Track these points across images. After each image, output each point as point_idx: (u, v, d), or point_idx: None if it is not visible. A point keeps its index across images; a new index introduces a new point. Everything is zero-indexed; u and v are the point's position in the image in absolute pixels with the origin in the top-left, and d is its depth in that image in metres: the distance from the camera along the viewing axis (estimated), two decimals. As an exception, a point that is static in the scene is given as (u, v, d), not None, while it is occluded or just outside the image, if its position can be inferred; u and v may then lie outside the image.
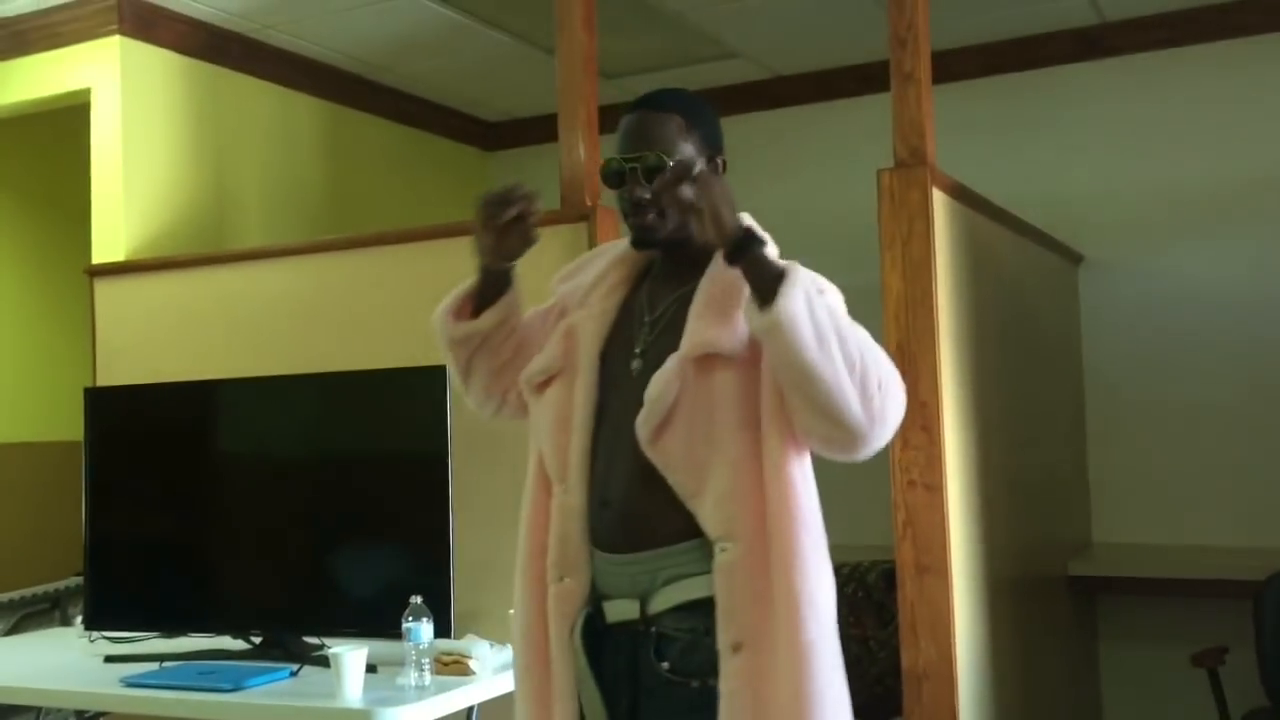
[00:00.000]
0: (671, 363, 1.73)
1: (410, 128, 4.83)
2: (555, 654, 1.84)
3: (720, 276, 1.75)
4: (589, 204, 2.95)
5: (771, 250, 1.69)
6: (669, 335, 1.78)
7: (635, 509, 1.76)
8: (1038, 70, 4.32)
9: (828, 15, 4.02)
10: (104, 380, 3.51)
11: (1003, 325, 3.20)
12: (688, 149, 1.82)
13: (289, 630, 2.83)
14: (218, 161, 3.96)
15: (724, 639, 1.69)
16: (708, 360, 1.72)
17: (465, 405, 2.77)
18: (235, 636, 2.89)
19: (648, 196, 1.78)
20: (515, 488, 2.91)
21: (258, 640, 2.86)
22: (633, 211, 1.82)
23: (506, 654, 2.65)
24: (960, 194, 2.89)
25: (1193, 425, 4.06)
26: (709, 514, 1.70)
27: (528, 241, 1.91)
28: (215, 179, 3.95)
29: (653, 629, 1.76)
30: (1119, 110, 4.20)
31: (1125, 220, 4.18)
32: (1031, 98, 4.33)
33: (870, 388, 1.63)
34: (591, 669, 1.81)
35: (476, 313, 1.96)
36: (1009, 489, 3.13)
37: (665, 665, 1.75)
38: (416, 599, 2.46)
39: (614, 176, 1.83)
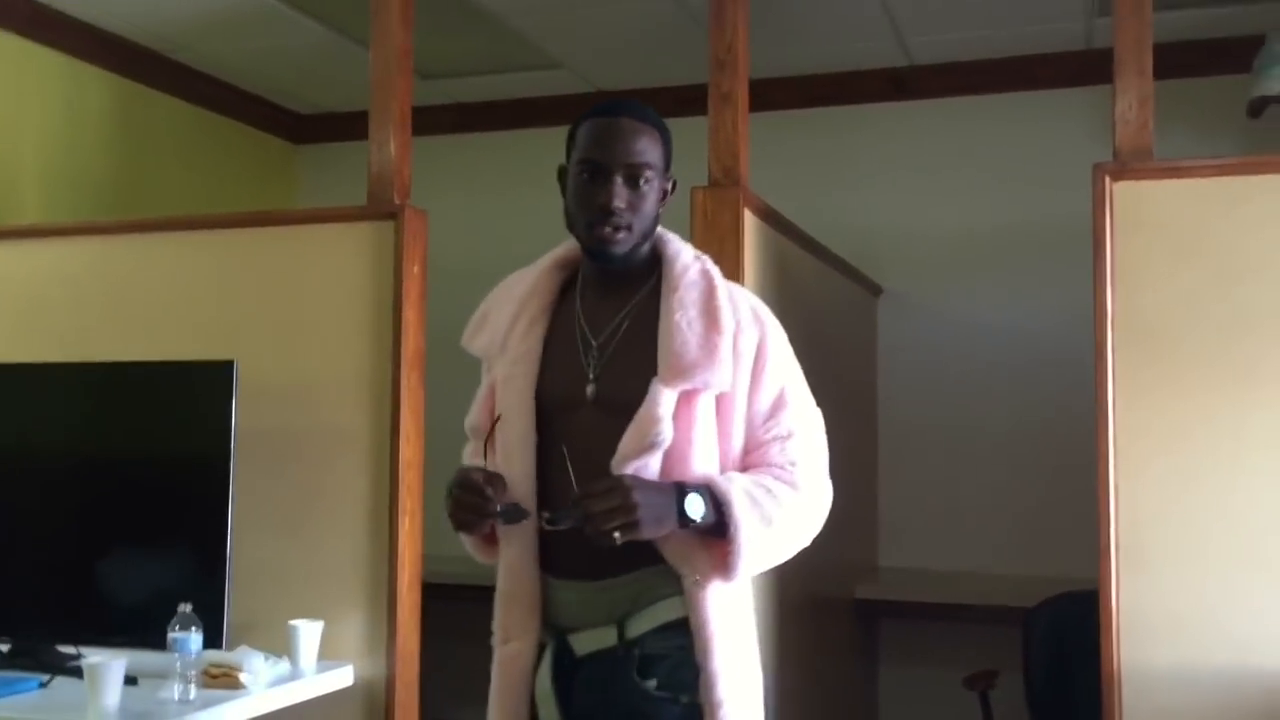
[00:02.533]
0: (664, 396, 1.70)
1: (212, 112, 4.59)
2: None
3: (685, 299, 1.75)
4: (397, 202, 2.86)
5: (695, 507, 1.68)
6: (626, 357, 1.77)
7: None
8: (849, 106, 4.45)
9: (650, 34, 4.04)
10: None
11: (805, 349, 3.25)
12: (659, 161, 1.79)
13: (41, 638, 2.62)
14: (-7, 131, 3.67)
15: (707, 660, 1.72)
16: (690, 392, 1.72)
17: (250, 403, 2.66)
18: (-20, 643, 2.66)
19: (623, 206, 1.74)
20: (298, 492, 2.81)
21: (5, 648, 2.64)
22: (601, 220, 1.75)
23: (282, 666, 2.52)
24: (770, 218, 2.93)
25: (973, 455, 4.24)
26: (673, 549, 1.72)
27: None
28: (-11, 150, 3.66)
29: (634, 651, 1.74)
30: (922, 150, 4.36)
31: (923, 256, 4.34)
32: (842, 132, 4.45)
33: (806, 540, 1.82)
34: (561, 714, 1.78)
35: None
36: (802, 512, 3.17)
37: (653, 683, 1.73)
38: (185, 607, 2.31)
39: (599, 173, 1.75)
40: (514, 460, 1.79)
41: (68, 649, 2.59)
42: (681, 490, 1.67)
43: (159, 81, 4.30)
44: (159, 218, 3.18)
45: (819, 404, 1.89)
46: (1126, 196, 2.47)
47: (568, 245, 1.90)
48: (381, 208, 2.86)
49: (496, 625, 1.85)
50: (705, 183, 2.73)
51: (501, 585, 1.84)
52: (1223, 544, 2.39)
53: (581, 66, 4.40)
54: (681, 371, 1.70)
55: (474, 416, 1.89)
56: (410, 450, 2.76)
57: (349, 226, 2.87)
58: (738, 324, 1.76)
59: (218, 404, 2.58)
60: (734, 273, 2.61)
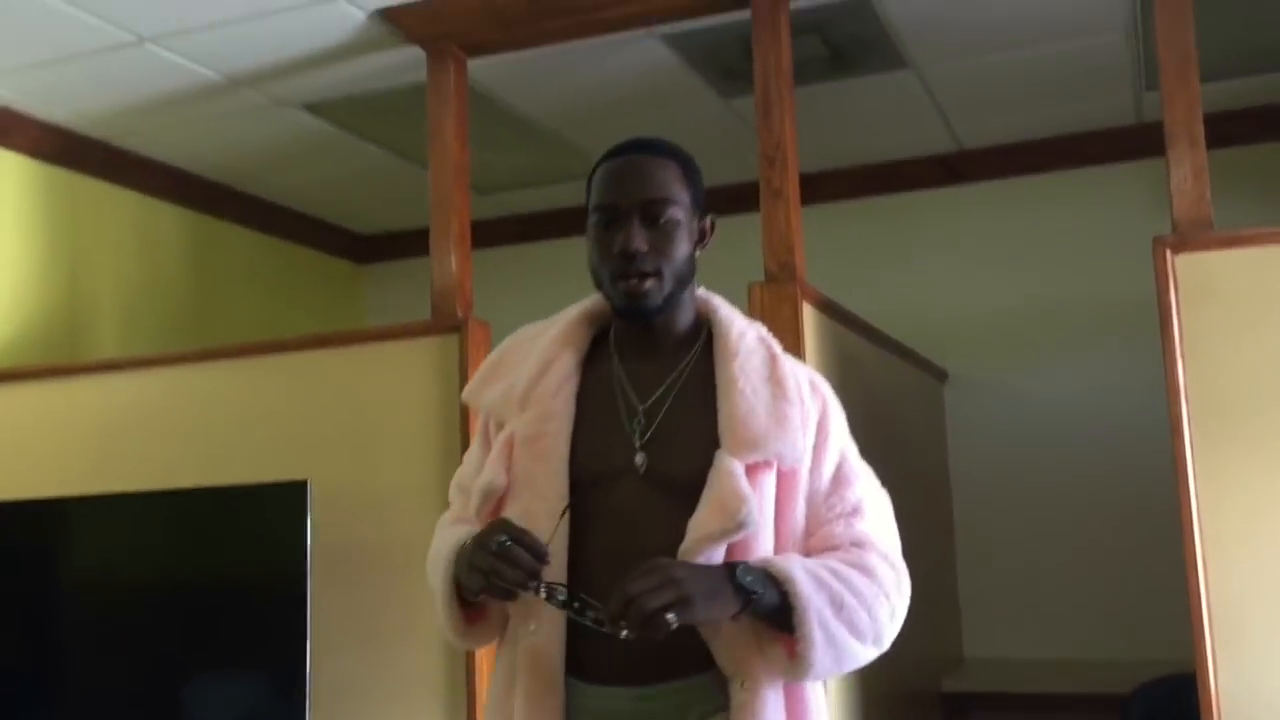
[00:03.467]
0: (738, 470, 1.46)
1: (278, 239, 4.74)
2: None
3: (746, 366, 1.54)
4: (460, 315, 2.91)
5: (751, 579, 1.42)
6: (677, 423, 1.54)
7: None
8: (901, 194, 4.47)
9: (699, 135, 4.09)
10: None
11: (871, 440, 3.22)
12: (685, 201, 1.57)
13: (129, 766, 2.64)
14: (72, 269, 3.81)
15: None
16: (756, 465, 1.49)
17: (325, 521, 2.68)
18: (69, 773, 2.68)
19: (645, 249, 1.52)
20: (374, 607, 2.81)
21: (94, 777, 2.66)
22: (623, 270, 1.53)
23: (365, 787, 2.50)
24: (829, 309, 2.93)
25: (1053, 538, 4.14)
26: (725, 643, 1.47)
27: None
28: (69, 288, 3.79)
29: None
30: (978, 233, 4.36)
31: (988, 339, 4.30)
32: (896, 220, 4.47)
33: (887, 633, 1.55)
34: None
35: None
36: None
37: None
38: (268, 729, 2.32)
39: (614, 217, 1.54)
40: (539, 524, 1.51)
41: (154, 776, 2.60)
42: (731, 568, 1.42)
43: (227, 212, 4.45)
44: (231, 345, 3.26)
45: (890, 493, 1.74)
46: (1189, 268, 2.44)
47: (595, 298, 1.68)
48: (445, 322, 2.91)
49: None
50: (761, 279, 2.74)
51: (518, 684, 1.52)
52: (1322, 618, 2.31)
53: (634, 172, 4.47)
54: (750, 442, 1.48)
55: (493, 478, 1.58)
56: (483, 560, 2.75)
57: (415, 342, 2.92)
58: (799, 394, 1.56)
59: (292, 524, 2.62)
60: (796, 366, 2.61)
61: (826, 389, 1.63)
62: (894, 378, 3.72)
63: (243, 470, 2.91)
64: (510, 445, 1.57)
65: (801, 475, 1.55)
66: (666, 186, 1.55)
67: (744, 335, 1.59)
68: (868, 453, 1.79)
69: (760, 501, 1.49)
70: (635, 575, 1.37)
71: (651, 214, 1.54)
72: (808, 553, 1.54)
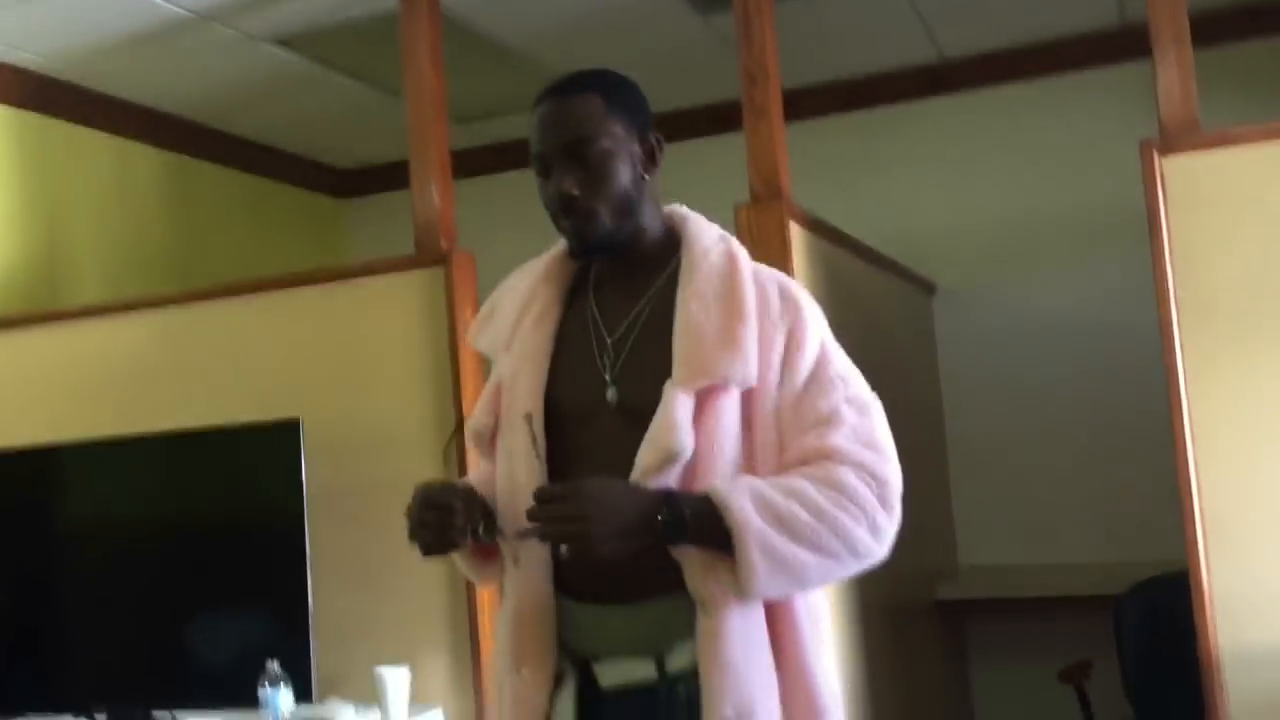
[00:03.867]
0: (679, 400, 1.47)
1: (258, 176, 4.68)
2: None
3: (702, 287, 1.52)
4: (444, 247, 2.89)
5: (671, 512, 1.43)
6: (644, 354, 1.54)
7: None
8: (885, 107, 4.42)
9: (681, 56, 4.05)
10: (-72, 450, 3.28)
11: (862, 356, 3.23)
12: (616, 129, 1.55)
13: (136, 705, 2.66)
14: (49, 216, 3.76)
15: (712, 711, 1.45)
16: (711, 389, 1.49)
17: (319, 459, 2.69)
18: (77, 715, 2.71)
19: (576, 191, 1.53)
20: (374, 543, 2.83)
21: (102, 718, 2.68)
22: (563, 212, 1.56)
23: (372, 716, 2.54)
24: (816, 228, 2.91)
25: (1046, 446, 4.17)
26: (692, 566, 1.47)
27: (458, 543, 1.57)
28: (46, 234, 3.75)
29: (679, 690, 1.48)
30: (963, 144, 4.32)
31: (975, 251, 4.29)
32: (880, 134, 4.42)
33: (866, 545, 1.48)
34: None
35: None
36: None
37: None
38: (273, 664, 2.34)
39: (545, 166, 1.57)
40: (519, 470, 1.56)
41: (163, 714, 2.63)
42: (670, 498, 1.44)
43: (204, 152, 4.39)
44: (213, 285, 3.23)
45: (884, 407, 1.67)
46: (1177, 171, 2.43)
47: None
48: (429, 254, 2.89)
49: (503, 651, 1.60)
50: (747, 199, 2.72)
51: (509, 604, 1.60)
52: (1312, 514, 2.33)
53: (614, 95, 4.42)
54: (698, 368, 1.48)
55: (478, 419, 1.65)
56: (479, 491, 2.77)
57: (399, 276, 2.90)
58: (765, 306, 1.53)
59: (287, 463, 2.62)
60: (785, 285, 2.60)
61: (801, 295, 1.58)
62: (883, 293, 3.71)
63: (232, 411, 2.90)
64: (499, 387, 1.62)
65: (769, 389, 1.52)
66: (587, 123, 1.54)
67: (708, 252, 1.57)
68: (860, 368, 1.76)
69: (714, 425, 1.48)
70: (548, 496, 1.43)
71: (578, 154, 1.54)
72: (782, 468, 1.51)
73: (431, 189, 2.94)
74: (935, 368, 4.31)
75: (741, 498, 1.43)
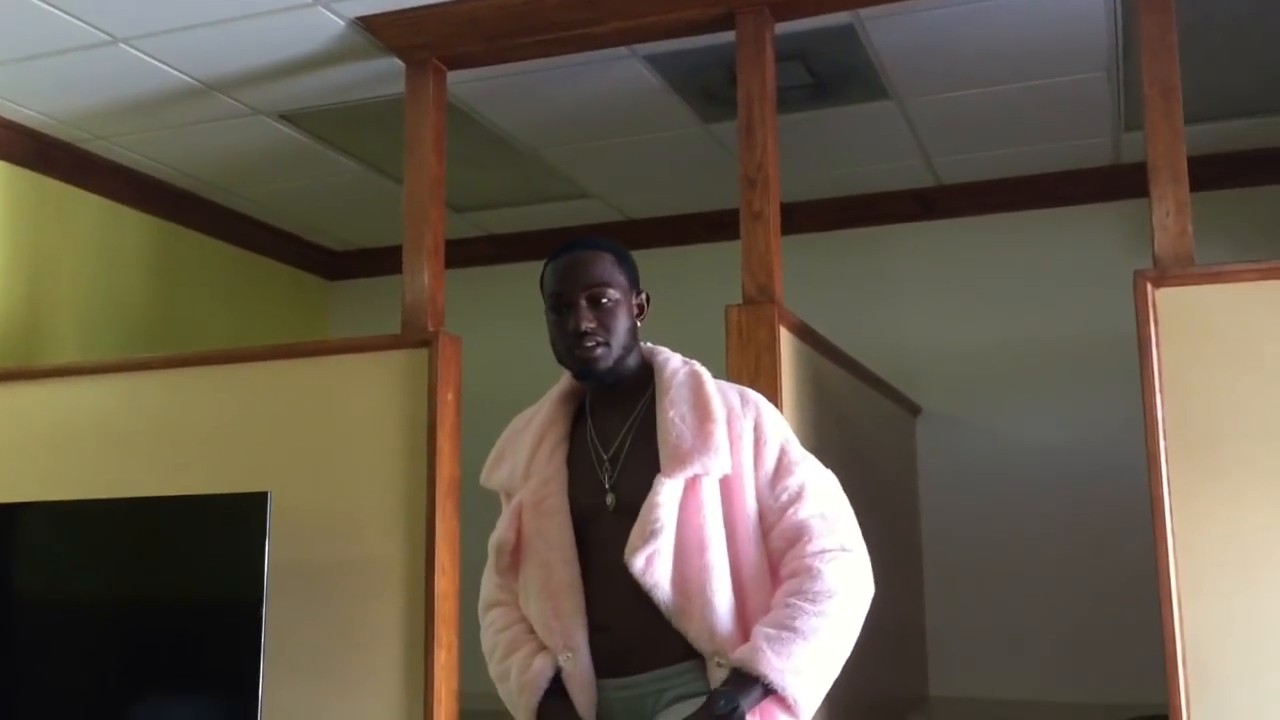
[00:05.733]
0: (666, 486, 1.80)
1: (247, 251, 4.66)
2: None
3: (677, 399, 1.87)
4: (431, 329, 2.86)
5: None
6: (635, 463, 1.87)
7: (635, 631, 1.81)
8: (879, 227, 4.46)
9: (680, 163, 4.09)
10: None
11: (842, 470, 3.19)
12: (622, 283, 1.91)
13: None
14: (33, 272, 3.73)
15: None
16: (694, 478, 1.82)
17: (285, 535, 2.61)
18: (5, 793, 2.58)
19: (593, 326, 1.85)
20: (332, 627, 2.73)
21: (31, 797, 2.56)
22: (577, 344, 1.87)
23: (314, 812, 2.42)
24: (806, 335, 2.90)
25: (1025, 575, 4.11)
26: (696, 631, 1.78)
27: None
28: (28, 290, 3.71)
29: None
30: (953, 268, 4.35)
31: (962, 375, 4.29)
32: (873, 253, 4.45)
33: (854, 619, 1.81)
34: None
35: None
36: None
37: None
38: (216, 749, 2.23)
39: (564, 304, 1.88)
40: (555, 569, 1.88)
41: (94, 796, 2.51)
42: (711, 702, 1.73)
43: (195, 221, 4.38)
44: (193, 353, 3.19)
45: (859, 524, 1.89)
46: (1170, 303, 2.43)
47: (567, 376, 2.01)
48: (415, 335, 2.85)
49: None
50: (740, 303, 2.70)
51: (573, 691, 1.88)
52: (1297, 660, 2.28)
53: (611, 196, 4.45)
54: (680, 460, 1.81)
55: (502, 534, 1.95)
56: (445, 581, 2.69)
57: (383, 355, 2.86)
58: (729, 410, 1.88)
59: (251, 538, 2.54)
60: (771, 388, 2.57)
61: (757, 398, 1.94)
62: (868, 408, 3.69)
63: (202, 482, 2.83)
64: (519, 510, 1.92)
65: (745, 479, 1.86)
66: (605, 274, 1.90)
67: (676, 373, 1.93)
68: (839, 478, 1.90)
69: (697, 508, 1.82)
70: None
71: (594, 297, 1.88)
72: (768, 546, 1.85)
73: (423, 270, 2.92)
74: (915, 490, 4.26)
75: (766, 657, 1.73)
